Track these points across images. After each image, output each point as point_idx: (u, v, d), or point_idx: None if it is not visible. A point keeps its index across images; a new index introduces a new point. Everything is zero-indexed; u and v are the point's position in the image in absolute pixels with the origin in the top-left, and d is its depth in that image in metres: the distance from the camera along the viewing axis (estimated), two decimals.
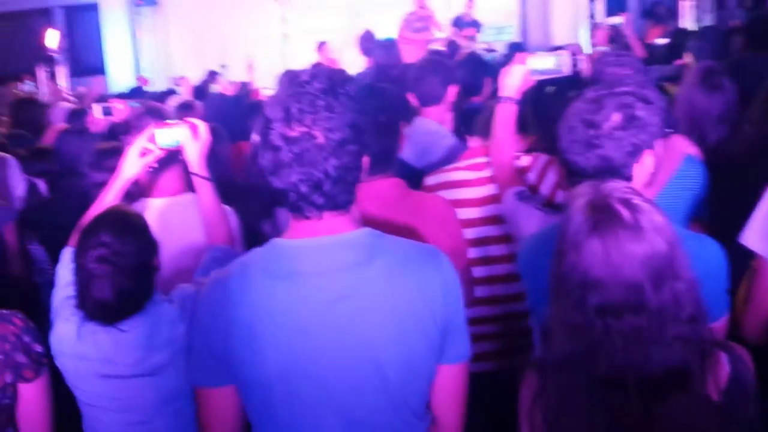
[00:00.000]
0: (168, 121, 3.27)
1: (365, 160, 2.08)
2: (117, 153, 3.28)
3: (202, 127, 3.16)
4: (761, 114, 3.86)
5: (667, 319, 1.86)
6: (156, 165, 3.22)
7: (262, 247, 2.14)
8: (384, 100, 3.00)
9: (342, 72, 2.12)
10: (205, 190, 3.13)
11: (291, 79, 2.08)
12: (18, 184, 5.31)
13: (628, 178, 2.40)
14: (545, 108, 3.87)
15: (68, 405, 2.81)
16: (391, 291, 2.02)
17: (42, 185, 5.29)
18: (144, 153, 3.12)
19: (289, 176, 1.96)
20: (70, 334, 2.70)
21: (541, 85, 3.64)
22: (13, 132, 7.18)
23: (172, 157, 3.28)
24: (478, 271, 3.44)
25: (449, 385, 2.19)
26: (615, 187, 1.98)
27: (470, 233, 3.45)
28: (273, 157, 1.98)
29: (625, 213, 1.89)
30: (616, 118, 2.40)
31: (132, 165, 3.12)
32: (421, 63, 4.72)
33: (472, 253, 3.41)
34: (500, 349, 3.57)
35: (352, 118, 2.00)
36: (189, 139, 3.12)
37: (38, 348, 2.39)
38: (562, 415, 1.96)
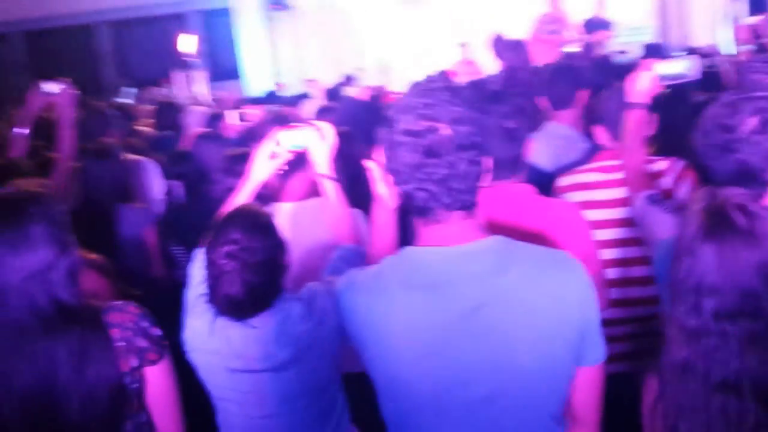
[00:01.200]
0: (295, 123, 3.30)
1: (488, 161, 2.07)
2: (247, 158, 3.32)
3: (329, 129, 3.17)
4: None
5: None
6: (286, 167, 3.26)
7: (394, 255, 2.16)
8: (510, 106, 2.96)
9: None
10: (332, 190, 3.14)
11: (415, 84, 2.09)
12: (156, 187, 5.46)
13: (765, 184, 2.35)
14: (669, 112, 3.83)
15: (202, 399, 2.89)
16: (529, 298, 2.01)
17: (179, 188, 5.38)
18: (273, 156, 3.16)
19: (416, 173, 1.97)
20: (202, 330, 2.76)
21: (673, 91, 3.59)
22: (159, 135, 7.40)
23: (299, 162, 3.33)
24: (613, 273, 3.41)
25: (587, 386, 2.17)
26: (733, 193, 1.97)
27: (605, 234, 3.44)
28: (402, 154, 1.99)
29: (740, 219, 1.89)
30: (752, 121, 2.35)
31: (261, 168, 3.17)
32: (552, 67, 4.70)
33: (608, 254, 3.39)
34: (635, 351, 3.49)
35: (477, 117, 1.99)
36: (315, 141, 3.13)
37: (157, 332, 2.43)
38: (680, 420, 1.96)
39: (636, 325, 3.53)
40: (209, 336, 2.75)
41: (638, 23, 15.26)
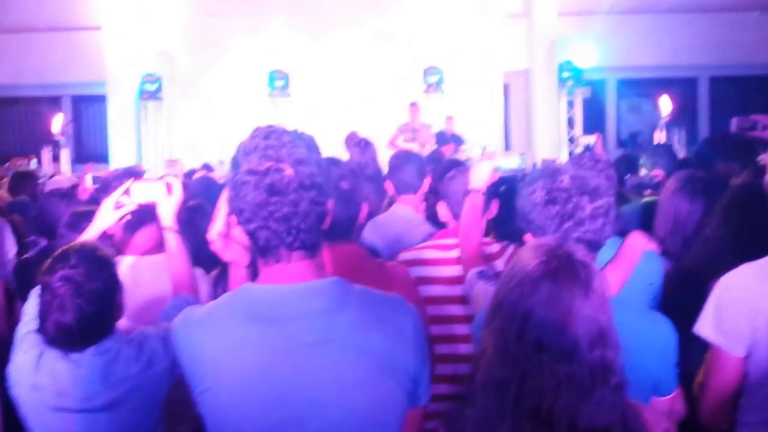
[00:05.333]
0: (144, 178, 3.22)
1: (330, 203, 2.06)
2: (93, 216, 3.24)
3: (177, 185, 3.11)
4: (719, 220, 3.89)
5: (597, 380, 1.87)
6: (129, 217, 3.19)
7: (232, 291, 2.13)
8: (346, 170, 2.94)
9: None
10: (175, 243, 3.08)
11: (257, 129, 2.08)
12: (8, 246, 5.30)
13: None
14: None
15: None
16: (364, 337, 2.00)
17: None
18: (119, 206, 3.10)
19: (259, 211, 1.95)
20: (28, 365, 2.67)
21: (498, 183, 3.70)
22: (14, 200, 7.29)
23: (146, 217, 3.28)
24: (441, 349, 3.36)
25: (412, 426, 2.18)
26: (579, 249, 2.00)
27: (435, 311, 3.40)
28: (246, 193, 1.97)
29: (582, 271, 1.91)
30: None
31: (106, 216, 3.10)
32: (398, 154, 4.74)
33: (435, 330, 3.34)
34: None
35: (319, 159, 1.99)
36: (163, 195, 3.07)
37: None
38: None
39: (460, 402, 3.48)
40: (35, 371, 2.65)
41: (485, 141, 15.73)
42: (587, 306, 1.88)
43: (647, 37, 17.09)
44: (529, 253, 1.98)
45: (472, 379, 2.01)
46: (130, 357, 2.66)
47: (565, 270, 1.90)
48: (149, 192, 3.09)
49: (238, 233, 2.25)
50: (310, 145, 2.03)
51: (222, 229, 2.30)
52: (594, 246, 2.40)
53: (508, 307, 1.93)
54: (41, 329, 2.64)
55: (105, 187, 3.41)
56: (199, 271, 3.27)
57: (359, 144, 6.54)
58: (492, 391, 1.92)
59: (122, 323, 2.81)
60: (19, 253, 5.31)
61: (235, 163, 2.04)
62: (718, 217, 3.84)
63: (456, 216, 3.56)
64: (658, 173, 6.63)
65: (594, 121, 17.17)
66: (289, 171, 1.95)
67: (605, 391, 1.87)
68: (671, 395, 2.55)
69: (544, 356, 1.86)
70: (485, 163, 3.48)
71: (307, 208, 1.96)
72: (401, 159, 4.54)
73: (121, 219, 3.15)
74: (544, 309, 1.87)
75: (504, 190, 4.08)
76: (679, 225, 3.93)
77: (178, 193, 3.11)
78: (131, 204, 3.11)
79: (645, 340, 2.43)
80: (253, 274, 2.23)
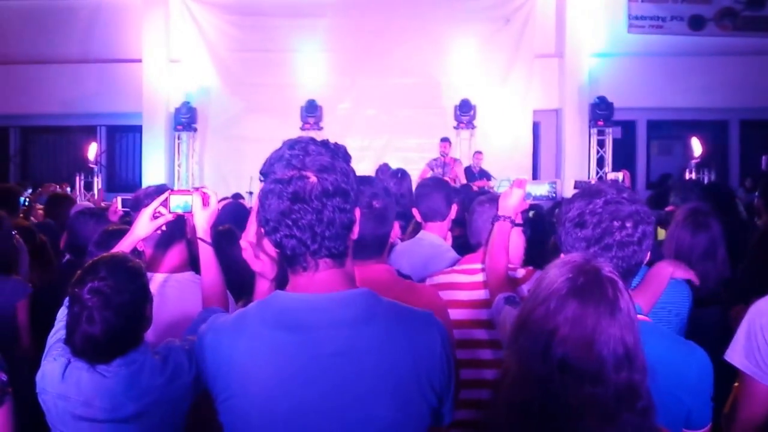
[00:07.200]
0: (182, 188, 3.25)
1: (357, 212, 2.04)
2: (122, 235, 3.26)
3: (213, 197, 3.14)
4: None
5: (622, 403, 1.84)
6: (164, 228, 3.21)
7: (261, 300, 2.10)
8: (378, 188, 2.94)
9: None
10: (208, 255, 3.08)
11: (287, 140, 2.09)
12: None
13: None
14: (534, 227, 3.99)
15: None
16: (390, 351, 1.97)
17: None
18: (156, 216, 3.11)
19: (284, 219, 1.94)
20: (55, 373, 2.67)
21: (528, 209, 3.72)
22: (43, 222, 7.36)
23: (177, 234, 3.33)
24: (466, 374, 3.31)
25: None
26: (605, 265, 1.96)
27: (460, 334, 3.37)
28: (271, 202, 1.96)
29: (609, 288, 1.88)
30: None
31: (143, 225, 3.11)
32: (426, 181, 4.73)
33: (460, 354, 3.29)
34: None
35: (345, 167, 1.98)
36: (199, 206, 3.09)
37: (2, 377, 2.32)
38: None
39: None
40: (61, 380, 2.65)
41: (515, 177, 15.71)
42: (614, 325, 1.84)
43: (678, 79, 17.07)
44: (555, 269, 1.95)
45: (496, 399, 1.99)
46: (155, 369, 2.66)
47: (591, 287, 1.88)
48: (186, 202, 3.11)
49: (268, 245, 2.26)
50: (337, 153, 2.01)
51: (253, 239, 2.30)
52: (623, 274, 2.35)
53: (533, 325, 1.91)
54: (69, 340, 2.65)
55: (136, 203, 3.42)
56: (228, 295, 3.24)
57: (396, 174, 6.55)
58: (515, 412, 1.89)
59: (147, 337, 2.81)
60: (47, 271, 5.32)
61: (263, 174, 2.03)
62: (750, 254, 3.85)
63: (484, 243, 3.57)
64: (672, 209, 6.66)
65: (624, 161, 17.16)
66: (312, 178, 1.93)
67: (631, 415, 1.83)
68: (704, 429, 2.45)
69: (568, 376, 1.82)
70: (515, 190, 3.49)
71: (331, 215, 1.95)
72: (429, 186, 4.52)
73: (157, 229, 3.16)
74: (569, 326, 1.84)
75: (534, 215, 4.10)
76: (682, 257, 3.92)
77: (213, 205, 3.13)
78: (168, 214, 3.12)
79: (677, 369, 2.35)
80: (279, 288, 2.23)
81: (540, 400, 1.84)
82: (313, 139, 2.03)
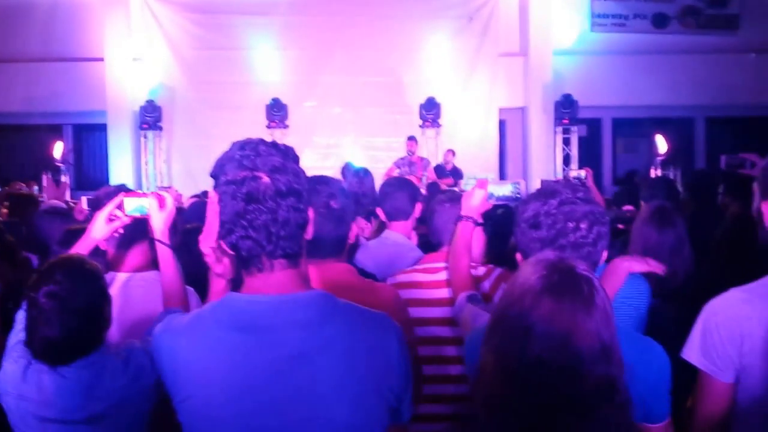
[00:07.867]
0: (137, 191, 3.23)
1: (310, 211, 2.04)
2: (84, 233, 3.24)
3: (169, 198, 3.13)
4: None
5: (600, 398, 1.83)
6: (122, 231, 3.20)
7: (216, 301, 2.10)
8: (335, 188, 2.94)
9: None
10: (166, 255, 3.08)
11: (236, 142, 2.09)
12: None
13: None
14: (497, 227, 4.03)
15: None
16: (346, 353, 1.97)
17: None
18: (111, 219, 3.11)
19: (239, 221, 1.94)
20: (15, 375, 2.67)
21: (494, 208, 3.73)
22: (9, 220, 7.23)
23: (139, 234, 3.30)
24: (430, 369, 3.35)
25: None
26: (579, 263, 1.96)
27: (423, 332, 3.38)
28: (226, 204, 1.97)
29: (584, 286, 1.87)
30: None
31: (99, 228, 3.11)
32: (390, 180, 4.75)
33: (424, 351, 3.33)
34: None
35: (295, 168, 1.99)
36: (155, 208, 3.08)
37: None
38: None
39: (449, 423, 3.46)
40: (21, 381, 2.64)
41: (482, 174, 15.79)
42: (590, 321, 1.83)
43: (643, 77, 17.17)
44: (529, 267, 1.94)
45: (471, 397, 1.99)
46: (116, 370, 2.65)
47: (566, 284, 1.87)
48: (141, 205, 3.11)
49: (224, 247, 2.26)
50: (287, 154, 2.01)
51: (214, 243, 2.29)
52: None
53: (509, 323, 1.89)
54: (29, 343, 2.64)
55: (97, 203, 3.41)
56: (190, 289, 3.26)
57: (358, 174, 6.52)
58: (493, 409, 1.89)
59: (112, 337, 2.80)
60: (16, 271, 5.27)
61: (214, 177, 2.03)
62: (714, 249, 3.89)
63: (445, 242, 3.60)
64: (629, 208, 6.72)
65: (590, 159, 17.19)
66: (265, 179, 1.94)
67: (609, 409, 1.84)
68: (663, 423, 2.49)
69: (545, 373, 1.82)
70: (478, 191, 3.52)
71: (286, 215, 1.95)
72: (393, 185, 4.53)
73: (113, 232, 3.15)
74: (545, 324, 1.83)
75: (502, 213, 4.12)
76: (651, 254, 3.93)
77: (170, 207, 3.12)
78: (124, 217, 3.12)
79: (636, 366, 2.29)
80: (234, 288, 2.22)
81: (518, 396, 1.84)
82: (262, 140, 2.03)
